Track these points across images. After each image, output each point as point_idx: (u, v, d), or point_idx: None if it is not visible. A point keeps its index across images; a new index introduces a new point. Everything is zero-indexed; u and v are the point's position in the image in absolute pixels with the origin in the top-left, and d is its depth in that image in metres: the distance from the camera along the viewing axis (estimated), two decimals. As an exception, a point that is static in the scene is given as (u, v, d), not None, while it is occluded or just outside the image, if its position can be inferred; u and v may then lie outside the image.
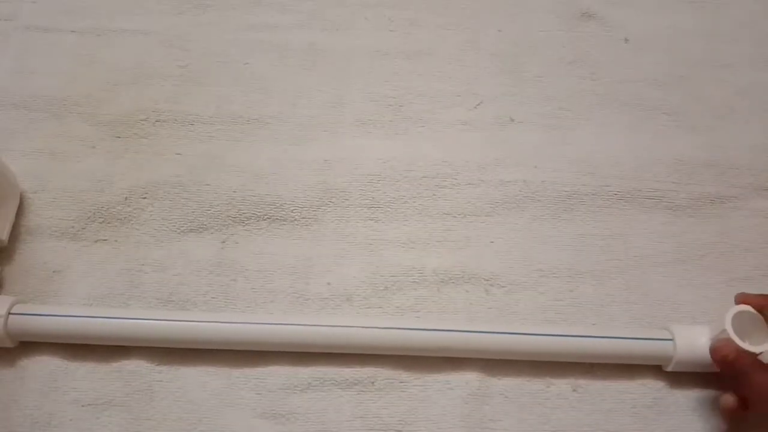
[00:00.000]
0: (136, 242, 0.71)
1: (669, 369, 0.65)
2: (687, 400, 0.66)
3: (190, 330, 0.65)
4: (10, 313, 0.63)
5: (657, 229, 0.74)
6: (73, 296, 0.68)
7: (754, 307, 0.61)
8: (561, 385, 0.66)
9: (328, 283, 0.70)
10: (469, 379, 0.66)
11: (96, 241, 0.71)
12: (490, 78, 0.83)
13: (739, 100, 0.82)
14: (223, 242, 0.71)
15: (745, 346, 0.60)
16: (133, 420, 0.63)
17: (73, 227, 0.71)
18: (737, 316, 0.61)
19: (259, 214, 0.73)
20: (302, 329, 0.65)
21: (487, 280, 0.71)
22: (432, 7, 0.88)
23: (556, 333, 0.65)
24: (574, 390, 0.66)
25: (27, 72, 0.79)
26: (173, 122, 0.78)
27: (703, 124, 0.80)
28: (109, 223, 0.72)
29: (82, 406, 0.64)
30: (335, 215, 0.73)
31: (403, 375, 0.66)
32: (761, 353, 0.60)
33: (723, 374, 0.63)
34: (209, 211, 0.73)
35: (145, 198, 0.73)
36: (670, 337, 0.64)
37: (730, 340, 0.60)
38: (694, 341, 0.64)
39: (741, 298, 0.62)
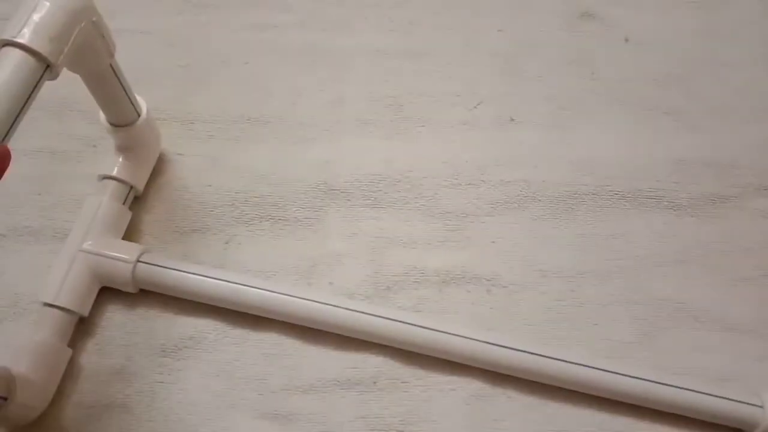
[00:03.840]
0: (138, 243, 0.71)
1: None
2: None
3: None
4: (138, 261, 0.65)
5: (658, 229, 0.74)
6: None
7: None
8: (564, 385, 0.66)
9: (331, 283, 0.70)
10: (472, 379, 0.66)
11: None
12: (490, 78, 0.83)
13: (739, 100, 0.82)
14: (227, 243, 0.71)
15: None
16: (133, 421, 0.63)
17: (76, 228, 0.71)
18: None
19: (261, 214, 0.73)
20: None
21: (489, 280, 0.71)
22: (432, 7, 0.88)
23: (628, 373, 0.63)
24: (576, 390, 0.66)
25: (27, 72, 0.79)
26: (173, 121, 0.78)
27: (704, 123, 0.80)
28: (111, 223, 0.72)
29: (83, 407, 0.63)
30: (337, 215, 0.73)
31: (405, 375, 0.66)
32: None
33: None
34: (212, 212, 0.73)
35: (146, 199, 0.73)
36: (761, 404, 0.63)
37: None
38: None
39: None
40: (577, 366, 0.63)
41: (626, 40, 0.86)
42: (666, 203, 0.76)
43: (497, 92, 0.82)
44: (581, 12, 0.87)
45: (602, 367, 0.63)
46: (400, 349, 0.66)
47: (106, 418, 0.63)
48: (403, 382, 0.66)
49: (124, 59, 0.80)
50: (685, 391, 0.63)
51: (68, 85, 0.79)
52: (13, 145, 0.75)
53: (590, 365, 0.63)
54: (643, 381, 0.63)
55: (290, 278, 0.70)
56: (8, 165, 0.46)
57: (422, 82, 0.82)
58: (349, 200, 0.74)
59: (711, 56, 0.85)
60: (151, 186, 0.74)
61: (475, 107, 0.81)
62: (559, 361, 0.63)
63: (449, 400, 0.65)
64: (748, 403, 0.63)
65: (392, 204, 0.74)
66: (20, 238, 0.71)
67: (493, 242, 0.73)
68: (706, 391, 0.63)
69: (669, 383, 0.63)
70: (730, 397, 0.63)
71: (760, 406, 0.63)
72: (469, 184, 0.76)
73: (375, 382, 0.66)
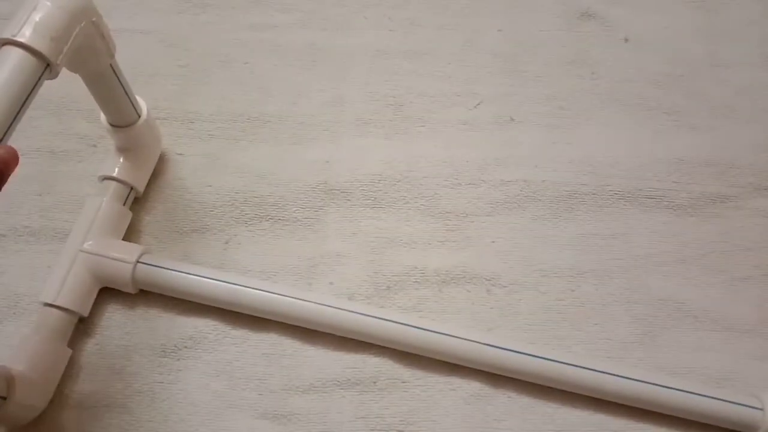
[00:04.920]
0: (138, 244, 0.71)
1: None
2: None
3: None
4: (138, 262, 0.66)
5: (658, 229, 0.74)
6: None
7: None
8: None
9: (331, 283, 0.70)
10: (472, 379, 0.66)
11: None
12: (490, 78, 0.83)
13: (739, 100, 0.82)
14: (227, 243, 0.71)
15: None
16: (134, 421, 0.63)
17: (75, 228, 0.71)
18: None
19: (261, 214, 0.73)
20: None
21: (489, 280, 0.71)
22: (432, 7, 0.88)
23: (629, 376, 0.64)
24: (576, 390, 0.66)
25: (26, 71, 0.79)
26: (173, 121, 0.78)
27: (703, 123, 0.80)
28: (111, 224, 0.72)
29: (83, 407, 0.63)
30: (337, 215, 0.73)
31: (405, 375, 0.66)
32: None
33: None
34: (212, 212, 0.73)
35: (146, 200, 0.73)
36: (761, 407, 0.63)
37: None
38: None
39: None
40: (574, 368, 0.63)
41: (626, 40, 0.86)
42: (666, 203, 0.76)
43: (497, 92, 0.82)
44: (581, 12, 0.87)
45: (600, 369, 0.63)
46: (400, 350, 0.66)
47: (106, 418, 0.63)
48: (403, 382, 0.66)
49: (124, 59, 0.80)
50: (684, 393, 0.63)
51: (68, 84, 0.79)
52: (13, 144, 0.75)
53: (588, 367, 0.63)
54: (642, 383, 0.63)
55: (290, 278, 0.70)
56: (16, 166, 0.47)
57: (422, 82, 0.82)
58: (349, 200, 0.74)
59: (711, 56, 0.85)
60: (152, 186, 0.74)
61: (475, 107, 0.81)
62: (557, 363, 0.63)
63: (449, 400, 0.65)
64: (747, 406, 0.63)
65: (392, 204, 0.74)
66: (20, 238, 0.71)
67: (493, 242, 0.73)
68: (706, 394, 0.63)
69: (668, 385, 0.63)
70: (729, 400, 0.63)
71: (761, 409, 0.63)
72: (469, 184, 0.76)
73: (375, 382, 0.66)
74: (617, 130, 0.80)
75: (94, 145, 0.76)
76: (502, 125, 0.80)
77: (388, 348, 0.66)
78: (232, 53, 0.83)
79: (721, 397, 0.63)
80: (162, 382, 0.65)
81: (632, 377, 0.63)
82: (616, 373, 0.63)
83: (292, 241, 0.72)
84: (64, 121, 0.77)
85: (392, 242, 0.72)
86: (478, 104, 0.81)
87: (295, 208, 0.73)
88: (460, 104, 0.81)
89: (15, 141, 0.75)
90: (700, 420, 0.64)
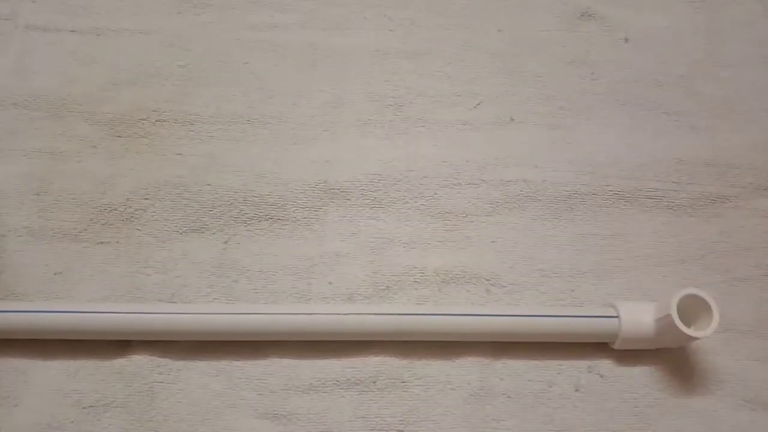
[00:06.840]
0: (137, 243, 0.71)
1: (615, 347, 0.66)
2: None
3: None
4: None
5: (657, 229, 0.74)
6: (74, 298, 0.68)
7: None
8: (563, 385, 0.66)
9: (330, 283, 0.70)
10: (471, 379, 0.66)
11: (98, 243, 0.70)
12: (490, 78, 0.83)
13: (739, 100, 0.82)
14: (226, 242, 0.71)
15: (689, 331, 0.61)
16: (134, 421, 0.63)
17: (75, 228, 0.71)
18: (683, 300, 0.62)
19: (260, 214, 0.73)
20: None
21: (488, 280, 0.71)
22: (432, 7, 0.88)
23: (502, 313, 0.67)
24: (576, 390, 0.66)
25: (27, 72, 0.79)
26: (173, 122, 0.78)
27: (703, 124, 0.80)
28: (111, 224, 0.71)
29: (83, 407, 0.64)
30: (337, 215, 0.73)
31: (405, 375, 0.66)
32: None
33: None
34: (211, 212, 0.73)
35: (146, 199, 0.73)
36: (616, 314, 0.65)
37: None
38: (639, 318, 0.65)
39: None
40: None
41: (626, 40, 0.86)
42: (666, 203, 0.76)
43: (497, 92, 0.82)
44: (581, 12, 0.87)
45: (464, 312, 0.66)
46: (400, 349, 0.66)
47: (106, 418, 0.63)
48: (402, 382, 0.66)
49: (124, 59, 0.80)
50: (545, 317, 0.66)
51: (68, 84, 0.79)
52: (13, 145, 0.75)
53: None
54: (504, 316, 0.66)
55: (289, 278, 0.70)
56: None
57: (422, 82, 0.82)
58: (348, 200, 0.74)
59: (711, 56, 0.85)
60: (151, 185, 0.74)
61: (475, 107, 0.81)
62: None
63: (449, 400, 0.65)
64: (604, 316, 0.65)
65: (392, 204, 0.74)
66: (20, 238, 0.71)
67: (493, 242, 0.73)
68: (562, 314, 0.66)
69: (526, 314, 0.66)
70: (586, 315, 0.66)
71: (616, 317, 0.65)
72: (469, 184, 0.76)
73: (375, 382, 0.66)
74: (617, 130, 0.80)
75: (95, 146, 0.76)
76: (502, 125, 0.80)
77: (387, 347, 0.67)
78: (232, 53, 0.83)
79: (580, 314, 0.66)
80: (162, 382, 0.65)
81: (490, 313, 0.66)
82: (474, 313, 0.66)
83: (292, 241, 0.72)
84: (64, 122, 0.77)
85: (392, 242, 0.72)
86: (478, 104, 0.81)
87: (294, 208, 0.73)
88: (460, 104, 0.81)
89: (15, 141, 0.75)
90: (563, 340, 0.67)
